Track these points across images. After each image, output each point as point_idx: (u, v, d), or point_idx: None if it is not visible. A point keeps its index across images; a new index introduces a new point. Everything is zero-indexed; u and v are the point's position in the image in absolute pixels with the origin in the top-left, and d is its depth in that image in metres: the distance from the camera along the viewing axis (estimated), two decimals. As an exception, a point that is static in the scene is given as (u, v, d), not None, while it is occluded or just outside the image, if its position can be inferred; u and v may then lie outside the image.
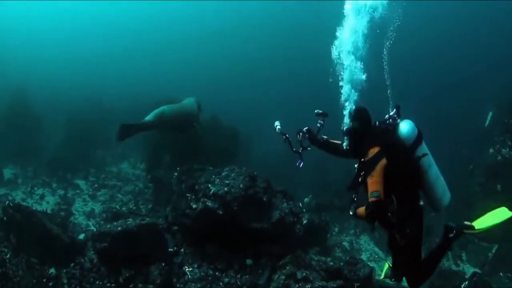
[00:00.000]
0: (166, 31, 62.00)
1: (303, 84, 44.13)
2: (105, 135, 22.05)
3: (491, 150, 18.40)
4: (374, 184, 5.35)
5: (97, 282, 9.30)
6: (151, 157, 17.22)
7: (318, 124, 6.65)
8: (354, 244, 17.48)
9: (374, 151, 5.51)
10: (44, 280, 9.22)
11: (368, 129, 5.93)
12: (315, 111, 6.66)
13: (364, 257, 16.26)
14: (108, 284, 9.25)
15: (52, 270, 9.50)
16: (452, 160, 20.92)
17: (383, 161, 5.45)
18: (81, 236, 11.66)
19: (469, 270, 14.73)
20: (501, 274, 14.11)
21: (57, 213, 14.64)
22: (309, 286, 8.20)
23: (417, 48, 46.45)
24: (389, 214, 5.58)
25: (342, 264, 9.77)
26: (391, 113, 6.00)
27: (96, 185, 18.10)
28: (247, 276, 9.65)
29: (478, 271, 14.31)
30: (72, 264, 9.70)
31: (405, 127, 5.80)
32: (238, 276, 9.73)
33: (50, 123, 22.03)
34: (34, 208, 12.25)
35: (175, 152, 15.00)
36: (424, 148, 5.83)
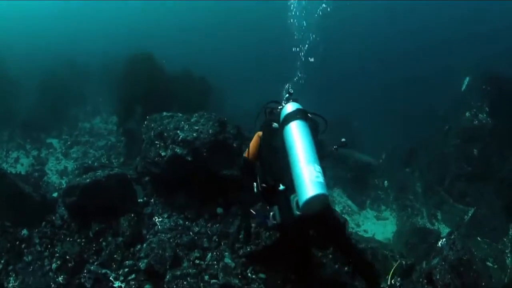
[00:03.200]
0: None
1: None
2: (77, 92, 21.93)
3: (467, 114, 18.49)
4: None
5: (68, 239, 9.13)
6: (122, 110, 17.00)
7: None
8: None
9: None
10: (17, 242, 9.13)
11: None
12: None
13: (337, 209, 16.31)
14: (78, 240, 9.07)
15: (25, 231, 9.36)
16: (427, 120, 21.04)
17: (258, 133, 6.85)
18: (55, 195, 11.42)
19: (444, 229, 14.78)
20: (479, 238, 14.15)
21: (31, 174, 14.55)
22: (279, 234, 7.98)
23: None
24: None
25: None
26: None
27: (69, 143, 17.91)
28: (217, 225, 9.47)
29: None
30: (43, 223, 9.56)
31: (282, 110, 6.48)
32: (209, 225, 9.55)
33: (23, 85, 21.81)
34: (8, 171, 12.20)
35: (147, 104, 14.75)
36: (297, 131, 6.00)
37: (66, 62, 25.31)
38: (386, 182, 20.00)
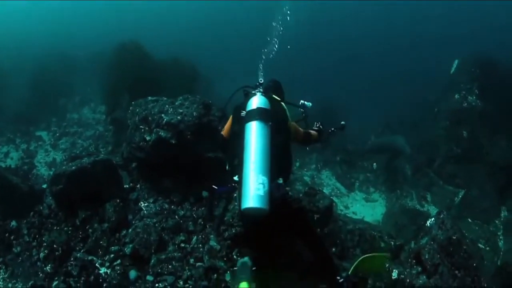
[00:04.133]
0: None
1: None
2: (66, 83, 21.87)
3: (456, 96, 18.50)
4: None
5: (55, 228, 9.07)
6: (110, 99, 16.93)
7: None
8: (316, 179, 17.52)
9: None
10: (6, 234, 9.14)
11: None
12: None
13: (325, 192, 16.24)
14: (65, 228, 8.99)
15: (14, 223, 9.35)
16: (417, 104, 21.07)
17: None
18: (44, 186, 11.39)
19: (434, 211, 14.77)
20: (470, 220, 14.06)
21: (20, 167, 14.52)
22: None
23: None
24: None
25: (300, 195, 9.44)
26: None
27: (57, 134, 17.86)
28: (203, 208, 9.41)
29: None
30: (31, 213, 9.52)
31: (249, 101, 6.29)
32: (194, 208, 9.49)
33: (11, 79, 21.69)
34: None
35: (135, 92, 14.67)
36: (253, 134, 5.88)
37: (55, 53, 25.22)
38: (375, 164, 19.98)
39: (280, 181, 6.01)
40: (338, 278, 6.61)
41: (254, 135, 5.79)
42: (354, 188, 18.19)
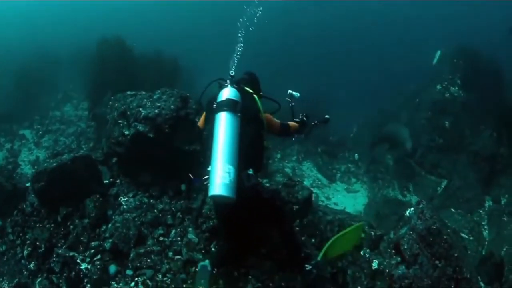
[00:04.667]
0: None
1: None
2: (48, 80, 21.86)
3: (438, 87, 18.65)
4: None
5: (38, 225, 9.10)
6: (92, 95, 16.94)
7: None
8: (297, 170, 17.60)
9: None
10: None
11: None
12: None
13: (306, 183, 16.31)
14: (47, 226, 9.01)
15: None
16: (400, 94, 21.16)
17: None
18: (28, 185, 11.40)
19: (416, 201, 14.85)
20: (452, 210, 14.15)
21: (5, 167, 14.51)
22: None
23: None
24: None
25: (280, 186, 9.52)
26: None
27: (40, 132, 17.87)
28: (181, 202, 9.41)
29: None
30: (15, 212, 9.57)
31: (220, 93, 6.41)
32: (173, 202, 9.50)
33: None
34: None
35: (117, 87, 14.65)
36: (222, 124, 6.03)
37: (36, 51, 25.16)
38: (356, 155, 20.07)
39: (251, 171, 6.12)
40: (306, 266, 6.79)
41: (222, 126, 5.92)
42: (336, 179, 18.30)
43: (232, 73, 6.62)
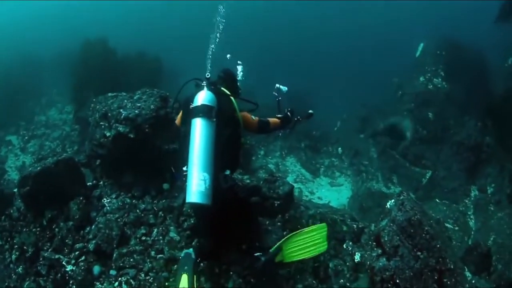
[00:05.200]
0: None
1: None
2: (33, 85, 21.87)
3: (421, 79, 18.71)
4: None
5: (24, 230, 9.18)
6: (76, 99, 16.99)
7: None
8: (280, 166, 17.64)
9: None
10: None
11: None
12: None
13: (290, 178, 16.43)
14: (34, 230, 9.10)
15: None
16: (383, 87, 21.23)
17: None
18: (15, 191, 11.47)
19: None
20: (437, 200, 14.17)
21: None
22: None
23: None
24: None
25: (261, 182, 9.60)
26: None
27: (26, 138, 17.90)
28: (163, 201, 9.49)
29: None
30: (3, 217, 9.62)
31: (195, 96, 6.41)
32: (155, 201, 9.58)
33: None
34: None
35: (100, 89, 14.69)
36: (197, 130, 6.10)
37: (19, 55, 25.14)
38: (340, 149, 20.13)
39: (227, 172, 6.29)
40: (257, 254, 6.91)
41: (198, 133, 6.01)
42: (319, 174, 18.38)
43: (208, 75, 6.64)
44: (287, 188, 9.31)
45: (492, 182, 13.87)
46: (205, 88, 6.41)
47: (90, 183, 10.30)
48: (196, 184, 5.83)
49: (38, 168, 9.33)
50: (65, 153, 14.38)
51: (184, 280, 6.41)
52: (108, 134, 9.76)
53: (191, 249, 6.99)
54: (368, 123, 20.95)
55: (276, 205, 9.15)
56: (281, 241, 7.15)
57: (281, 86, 7.49)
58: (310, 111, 7.87)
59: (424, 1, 45.79)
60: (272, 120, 7.40)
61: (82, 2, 54.45)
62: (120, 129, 9.50)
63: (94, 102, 10.85)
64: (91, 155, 10.64)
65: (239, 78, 7.42)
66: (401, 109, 18.67)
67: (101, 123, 10.04)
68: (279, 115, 7.54)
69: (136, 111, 9.58)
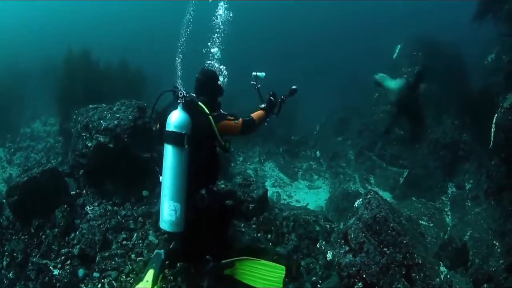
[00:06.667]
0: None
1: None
2: (17, 98, 22.00)
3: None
4: None
5: (14, 237, 9.62)
6: (59, 110, 17.19)
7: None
8: (259, 172, 17.79)
9: None
10: None
11: None
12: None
13: (268, 183, 16.60)
14: (22, 237, 9.56)
15: None
16: (361, 90, 21.41)
17: None
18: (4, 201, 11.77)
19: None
20: (414, 198, 14.39)
21: None
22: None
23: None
24: None
25: (236, 186, 9.98)
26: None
27: (12, 150, 18.08)
28: (143, 207, 9.97)
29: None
30: None
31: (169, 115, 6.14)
32: (135, 207, 10.04)
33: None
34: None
35: (84, 101, 14.93)
36: (168, 158, 6.05)
37: (3, 69, 25.16)
38: (318, 152, 20.30)
39: (203, 191, 6.39)
40: (208, 256, 7.14)
41: (169, 161, 5.98)
42: (297, 177, 18.50)
43: (181, 94, 6.13)
44: (261, 191, 9.74)
45: (470, 178, 13.83)
46: (179, 108, 6.06)
47: (74, 192, 10.73)
48: (167, 214, 5.97)
49: (25, 178, 9.80)
50: (50, 164, 14.73)
51: (150, 274, 6.59)
52: (89, 144, 10.21)
53: (162, 250, 7.07)
54: (346, 125, 21.19)
55: (251, 208, 9.59)
56: (235, 258, 7.34)
57: (258, 73, 7.32)
58: (294, 86, 7.69)
59: (404, 2, 46.12)
60: (256, 114, 7.07)
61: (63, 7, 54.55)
62: (101, 139, 9.98)
63: (76, 114, 11.24)
64: (74, 165, 11.03)
65: (221, 80, 7.02)
66: (377, 111, 18.87)
67: (83, 134, 10.47)
68: (262, 105, 7.28)
69: (115, 122, 10.08)
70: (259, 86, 7.34)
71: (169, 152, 5.97)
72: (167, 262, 7.08)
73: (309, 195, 16.86)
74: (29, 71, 25.60)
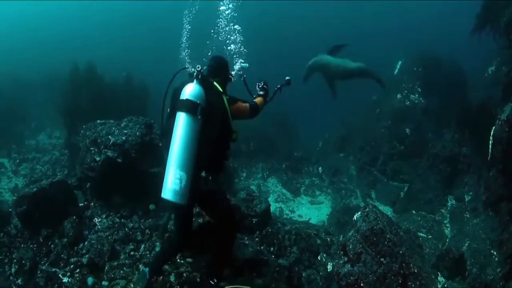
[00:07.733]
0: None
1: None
2: (22, 109, 22.19)
3: (398, 96, 18.96)
4: None
5: (22, 245, 9.85)
6: (65, 124, 17.36)
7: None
8: (262, 187, 17.96)
9: None
10: None
11: None
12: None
13: (271, 198, 16.79)
14: (31, 246, 9.82)
15: None
16: (362, 106, 21.58)
17: None
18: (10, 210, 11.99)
19: (379, 207, 15.18)
20: (413, 211, 14.58)
21: None
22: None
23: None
24: None
25: (240, 201, 10.25)
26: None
27: (17, 161, 18.27)
28: (150, 220, 10.30)
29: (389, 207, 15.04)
30: (1, 234, 10.14)
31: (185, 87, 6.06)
32: (142, 220, 10.38)
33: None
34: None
35: (89, 115, 15.11)
36: (179, 125, 5.81)
37: (8, 78, 25.33)
38: (320, 168, 20.44)
39: (210, 176, 6.10)
40: (211, 281, 6.94)
41: (180, 128, 5.73)
42: (300, 193, 18.82)
43: (198, 67, 6.06)
44: (264, 206, 10.13)
45: (469, 190, 14.11)
46: (195, 81, 5.99)
47: (82, 204, 11.02)
48: (172, 182, 5.58)
49: (34, 189, 10.10)
50: (56, 176, 14.95)
51: None
52: (98, 158, 10.57)
53: (146, 269, 6.89)
54: (348, 142, 21.58)
55: (254, 222, 9.94)
56: (232, 286, 7.25)
57: (242, 64, 7.28)
58: (287, 77, 7.66)
59: (404, 19, 46.34)
60: (258, 100, 7.14)
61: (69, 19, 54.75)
62: (109, 154, 10.36)
63: (84, 128, 11.59)
64: (82, 178, 11.32)
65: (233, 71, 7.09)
66: (378, 126, 19.03)
67: (91, 148, 10.84)
68: (260, 93, 7.36)
69: (124, 138, 10.49)
70: (245, 76, 7.32)
71: (181, 120, 5.76)
72: (152, 280, 7.01)
73: (311, 210, 17.16)
74: (33, 80, 25.77)
